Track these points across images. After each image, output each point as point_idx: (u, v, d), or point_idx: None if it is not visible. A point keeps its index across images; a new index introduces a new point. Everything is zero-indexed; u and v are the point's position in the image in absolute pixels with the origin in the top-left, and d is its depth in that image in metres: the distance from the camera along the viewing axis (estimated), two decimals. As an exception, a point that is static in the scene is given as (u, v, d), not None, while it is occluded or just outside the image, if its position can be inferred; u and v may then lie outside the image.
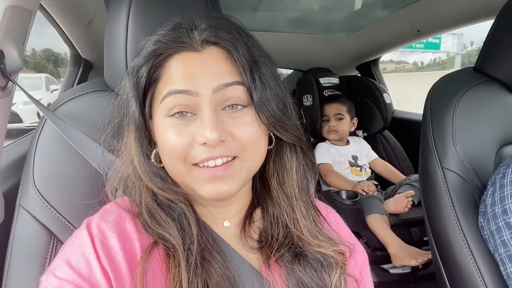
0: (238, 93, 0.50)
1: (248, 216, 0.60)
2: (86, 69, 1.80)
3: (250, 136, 0.50)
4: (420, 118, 1.04)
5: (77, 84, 1.78)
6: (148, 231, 0.51)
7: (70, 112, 0.73)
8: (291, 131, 0.54)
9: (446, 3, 1.56)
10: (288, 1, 1.96)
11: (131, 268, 0.47)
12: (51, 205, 0.68)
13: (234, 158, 0.50)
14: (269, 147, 0.56)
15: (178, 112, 0.49)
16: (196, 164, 0.49)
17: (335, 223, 0.64)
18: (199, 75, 0.49)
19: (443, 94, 1.00)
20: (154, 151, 0.55)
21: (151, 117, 0.54)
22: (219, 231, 0.56)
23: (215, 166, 0.48)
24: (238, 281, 0.52)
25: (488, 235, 0.82)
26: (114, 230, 0.50)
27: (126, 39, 0.70)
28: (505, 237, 0.76)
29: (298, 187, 0.58)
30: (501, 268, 0.78)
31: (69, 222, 0.68)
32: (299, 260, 0.54)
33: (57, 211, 0.68)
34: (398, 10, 1.85)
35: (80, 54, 1.70)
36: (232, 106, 0.50)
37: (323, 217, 0.60)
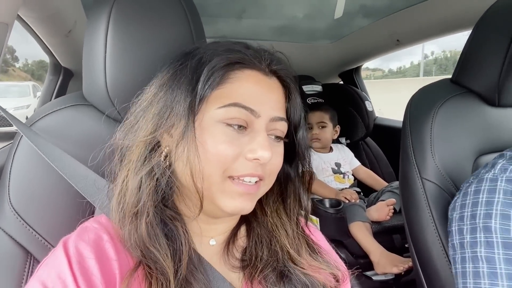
0: (283, 127, 0.56)
1: (233, 234, 0.60)
2: (66, 77, 1.77)
3: (278, 165, 0.56)
4: (399, 125, 1.06)
5: (57, 92, 1.75)
6: (134, 247, 0.49)
7: (47, 127, 0.72)
8: (311, 164, 0.62)
9: (424, 14, 1.60)
10: (271, 10, 1.98)
11: None
12: (27, 224, 0.66)
13: (260, 180, 0.53)
14: None
15: (237, 124, 0.51)
16: (231, 177, 0.51)
17: (316, 240, 0.65)
18: (265, 100, 0.53)
19: (421, 105, 1.02)
20: (165, 151, 0.53)
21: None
22: (203, 249, 0.56)
23: (250, 182, 0.51)
24: None
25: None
26: (92, 251, 0.48)
27: (105, 53, 0.69)
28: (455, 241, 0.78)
29: (296, 216, 0.62)
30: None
31: (46, 240, 0.66)
32: (284, 282, 0.55)
33: (34, 230, 0.66)
34: (379, 20, 1.89)
35: (60, 62, 1.67)
36: (275, 137, 0.55)
37: (318, 244, 0.63)
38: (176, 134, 0.50)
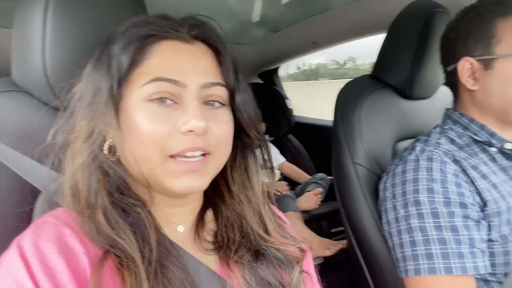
0: (221, 92, 0.52)
1: (200, 219, 0.60)
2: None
3: (225, 134, 0.52)
4: (317, 122, 1.15)
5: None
6: (98, 239, 0.46)
7: None
8: (261, 132, 0.58)
9: (339, 19, 1.75)
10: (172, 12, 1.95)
11: (80, 286, 0.42)
12: None
13: (206, 154, 0.50)
14: None
15: (158, 98, 0.48)
16: (172, 157, 0.48)
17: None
18: (189, 68, 0.49)
19: (348, 99, 1.12)
20: (108, 142, 0.50)
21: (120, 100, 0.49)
22: (172, 235, 0.55)
23: (193, 157, 0.48)
24: (198, 284, 0.51)
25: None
26: (54, 247, 0.43)
27: (44, 34, 0.63)
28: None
29: (262, 192, 0.60)
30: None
31: None
32: (260, 259, 0.56)
33: None
34: (297, 23, 2.01)
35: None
36: (211, 103, 0.52)
37: (282, 219, 0.65)
38: (111, 124, 0.48)
